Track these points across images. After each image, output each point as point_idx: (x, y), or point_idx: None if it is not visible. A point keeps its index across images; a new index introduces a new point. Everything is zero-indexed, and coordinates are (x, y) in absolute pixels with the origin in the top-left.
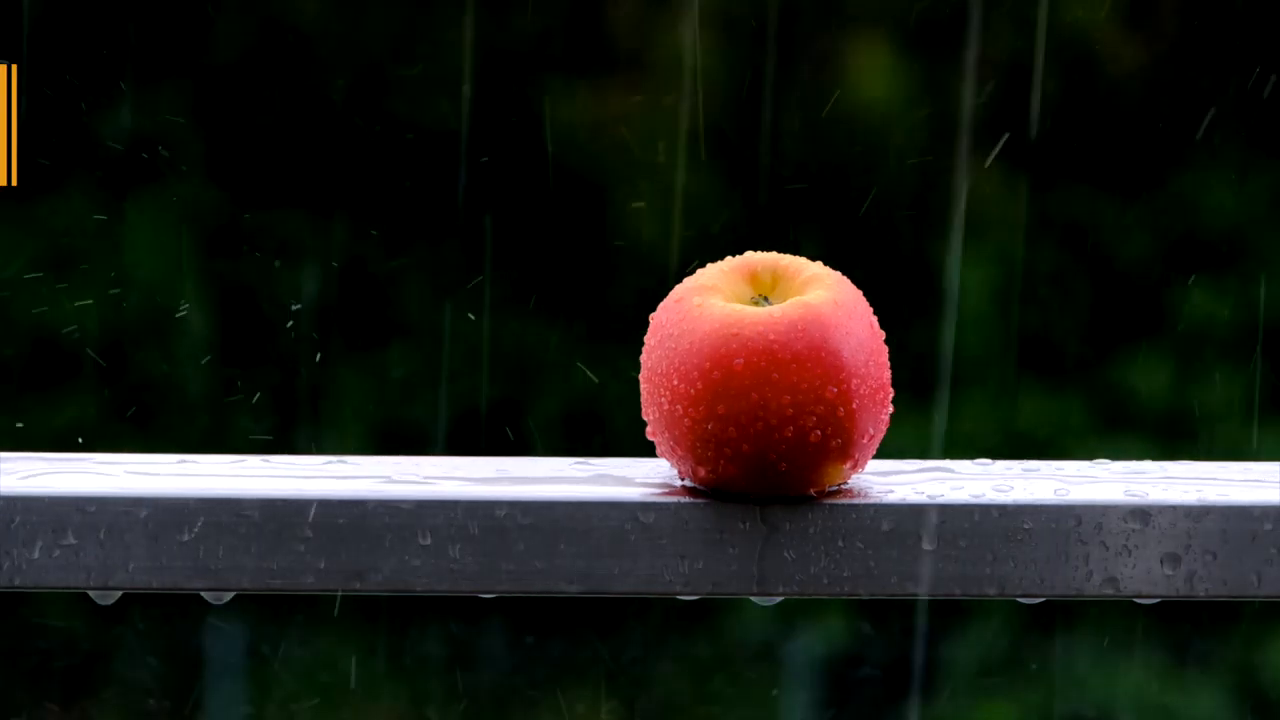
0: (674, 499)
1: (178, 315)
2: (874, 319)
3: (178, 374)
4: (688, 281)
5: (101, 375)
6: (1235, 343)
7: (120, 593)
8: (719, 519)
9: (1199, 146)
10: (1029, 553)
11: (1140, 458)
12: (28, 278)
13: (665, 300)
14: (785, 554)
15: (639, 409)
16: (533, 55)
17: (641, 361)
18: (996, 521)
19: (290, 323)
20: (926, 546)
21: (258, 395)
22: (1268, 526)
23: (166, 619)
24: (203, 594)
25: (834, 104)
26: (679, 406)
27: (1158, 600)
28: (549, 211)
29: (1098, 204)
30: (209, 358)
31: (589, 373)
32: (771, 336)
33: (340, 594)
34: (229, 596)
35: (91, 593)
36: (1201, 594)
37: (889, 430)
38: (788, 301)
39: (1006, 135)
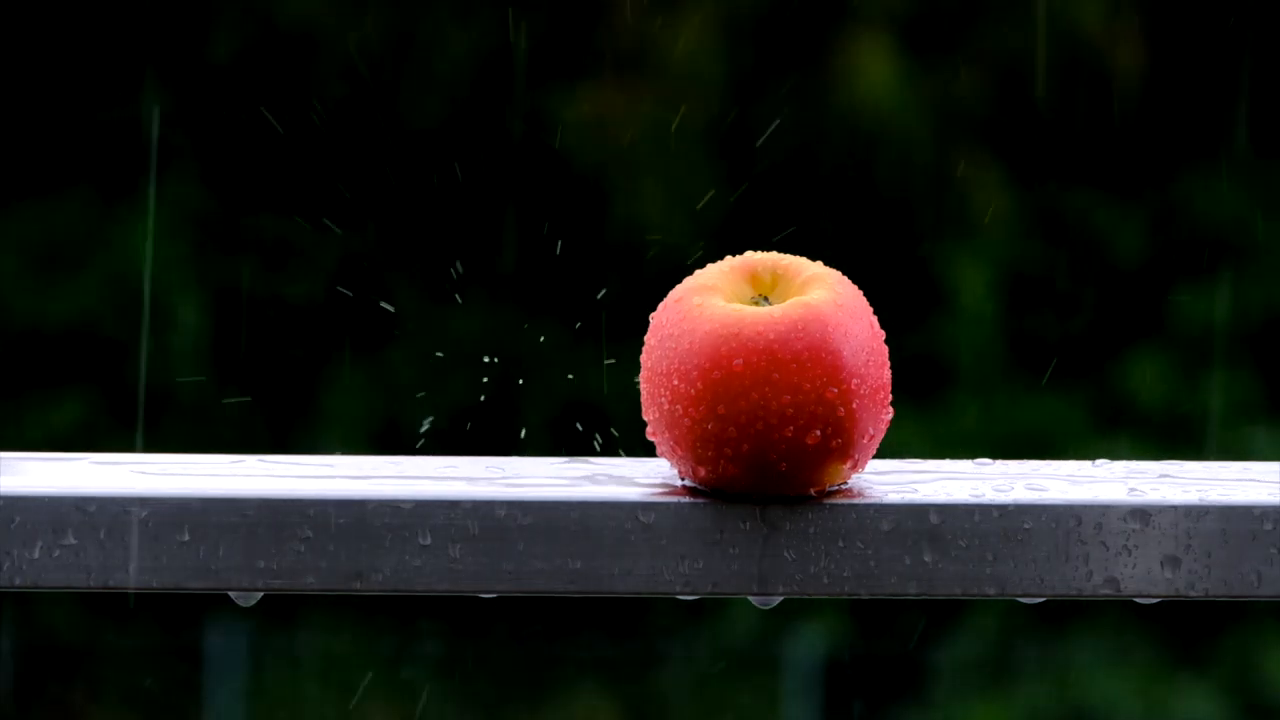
0: (674, 499)
1: (175, 315)
2: (874, 319)
3: (176, 374)
4: (688, 281)
5: (99, 375)
6: (1235, 343)
7: (260, 593)
8: (719, 519)
9: (1199, 147)
10: (1029, 553)
11: (1140, 458)
12: (25, 277)
13: (665, 300)
14: (785, 554)
15: (639, 409)
16: (533, 55)
17: (641, 362)
18: (996, 521)
19: (288, 323)
20: (926, 546)
21: (256, 395)
22: (1268, 526)
23: (166, 619)
24: (230, 595)
25: (835, 104)
26: (679, 406)
27: (1158, 600)
28: (549, 211)
29: (1098, 204)
30: (207, 358)
31: (589, 373)
32: (771, 336)
33: (340, 594)
34: (257, 597)
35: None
36: (1201, 594)
37: (889, 430)
38: (788, 301)
39: (1007, 135)
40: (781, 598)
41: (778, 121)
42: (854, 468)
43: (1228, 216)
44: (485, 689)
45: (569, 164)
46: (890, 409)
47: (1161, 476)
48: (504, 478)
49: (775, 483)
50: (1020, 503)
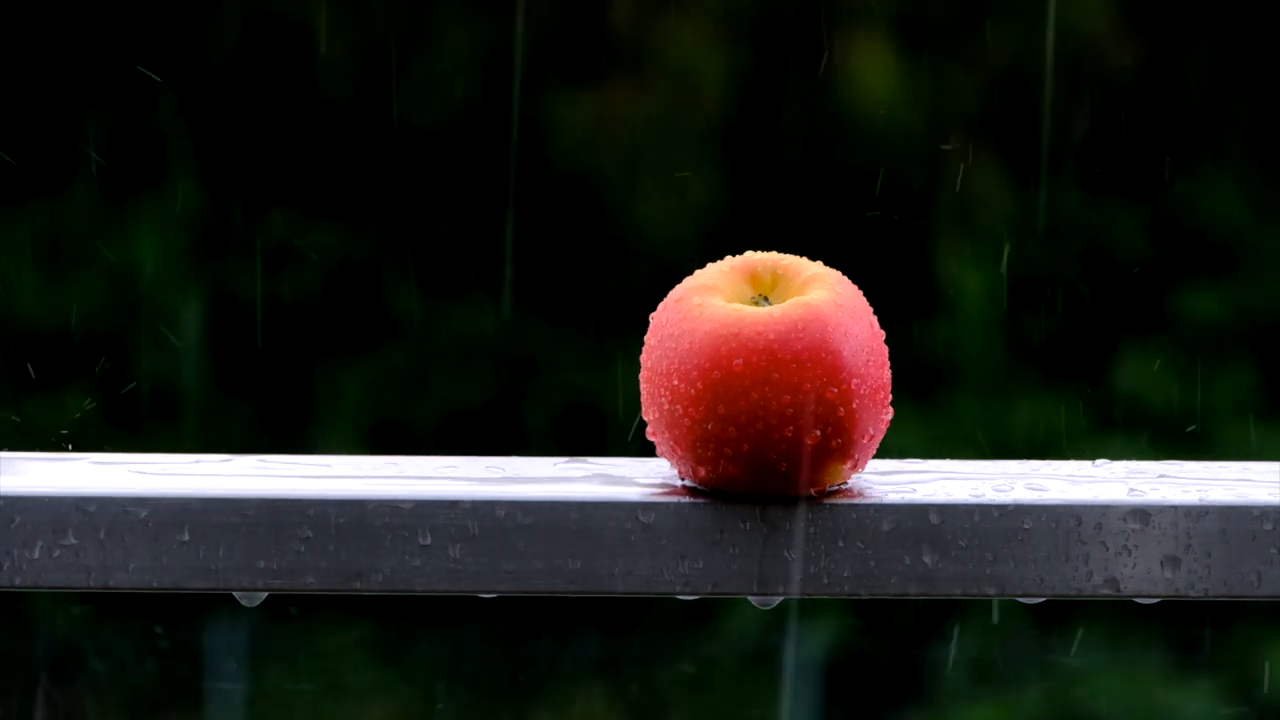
0: (674, 499)
1: (175, 315)
2: (874, 319)
3: (175, 373)
4: (688, 281)
5: (98, 375)
6: (1235, 343)
7: (265, 594)
8: (719, 519)
9: (1199, 146)
10: (1029, 553)
11: (1140, 458)
12: (25, 277)
13: (665, 300)
14: (785, 554)
15: (639, 409)
16: (533, 55)
17: (642, 361)
18: (996, 521)
19: (287, 322)
20: (926, 546)
21: (255, 395)
22: (1268, 526)
23: (166, 619)
24: (235, 595)
25: (834, 104)
26: (679, 406)
27: (1158, 600)
28: (549, 211)
29: (1098, 204)
30: (206, 357)
31: (589, 373)
32: (771, 336)
33: (340, 594)
34: (261, 597)
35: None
36: (1201, 594)
37: (889, 430)
38: (788, 301)
39: (1007, 135)
40: (781, 598)
41: (778, 121)
42: (854, 468)
43: (1228, 216)
44: (485, 689)
45: (569, 164)
46: (890, 409)
47: (1161, 476)
48: (504, 478)
49: (775, 483)
50: (1020, 503)
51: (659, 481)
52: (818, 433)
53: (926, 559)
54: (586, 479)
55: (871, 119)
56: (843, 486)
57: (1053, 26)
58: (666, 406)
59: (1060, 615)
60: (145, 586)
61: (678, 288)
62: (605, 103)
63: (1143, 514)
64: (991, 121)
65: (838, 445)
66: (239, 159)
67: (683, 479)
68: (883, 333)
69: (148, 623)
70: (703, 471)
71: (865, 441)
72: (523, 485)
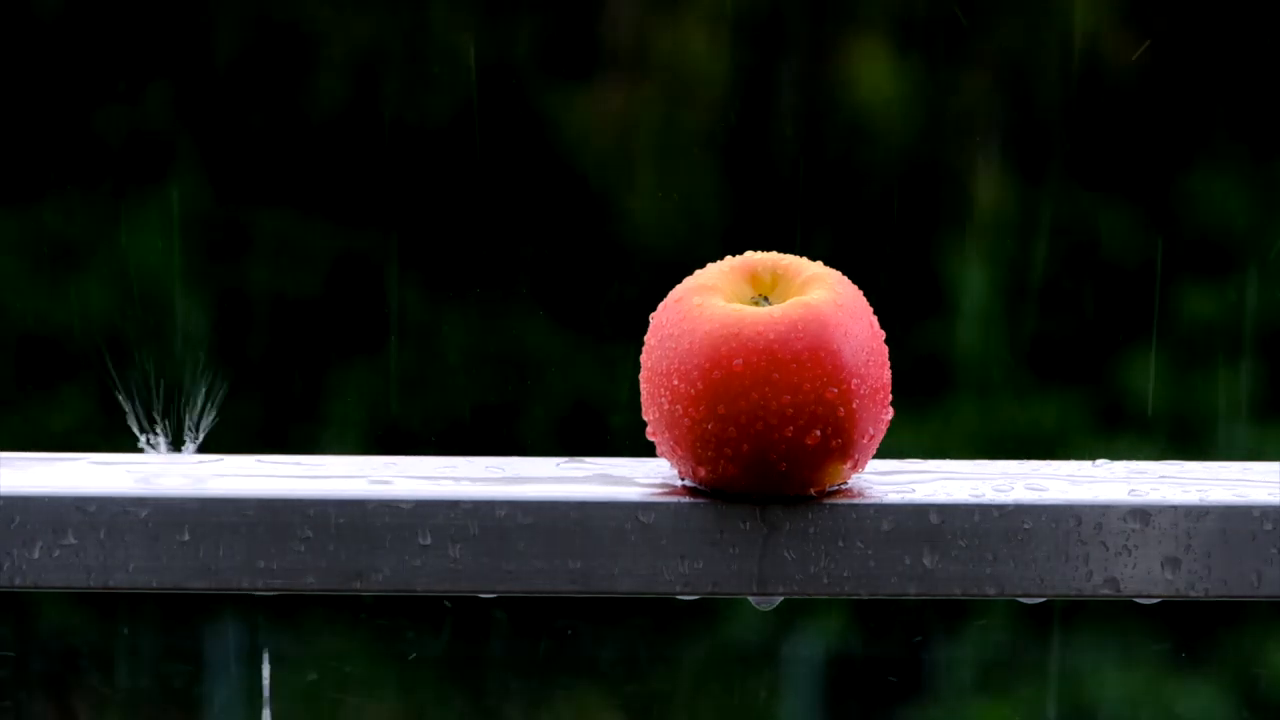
0: (674, 499)
1: (175, 315)
2: (874, 319)
3: (175, 373)
4: (688, 281)
5: (99, 375)
6: (1235, 343)
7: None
8: (719, 519)
9: (1199, 146)
10: (1029, 553)
11: (1140, 458)
12: (25, 277)
13: (665, 300)
14: (785, 554)
15: (639, 409)
16: (532, 54)
17: (641, 362)
18: (996, 521)
19: (288, 322)
20: (926, 546)
21: (256, 395)
22: (1268, 526)
23: (166, 619)
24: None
25: (834, 104)
26: (679, 406)
27: (1158, 600)
28: (548, 211)
29: (1098, 204)
30: (207, 358)
31: (589, 373)
32: (771, 336)
33: (340, 594)
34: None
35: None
36: (1201, 594)
37: (889, 430)
38: (788, 301)
39: (1007, 135)
40: (781, 598)
41: (778, 121)
42: (854, 468)
43: (1228, 216)
44: (485, 689)
45: (569, 164)
46: (890, 409)
47: (1161, 477)
48: (504, 478)
49: (775, 483)
50: (1020, 503)
51: (659, 481)
52: (818, 433)
53: (926, 559)
54: (586, 479)
55: (871, 118)
56: (843, 486)
57: (1053, 26)
58: (666, 406)
59: (1060, 615)
60: (145, 586)
61: (678, 288)
62: (605, 102)
63: (1143, 514)
64: (992, 121)
65: (838, 445)
66: (241, 158)
67: (683, 479)
68: (883, 333)
69: (148, 623)
70: (703, 471)
71: (865, 441)
72: (523, 485)
